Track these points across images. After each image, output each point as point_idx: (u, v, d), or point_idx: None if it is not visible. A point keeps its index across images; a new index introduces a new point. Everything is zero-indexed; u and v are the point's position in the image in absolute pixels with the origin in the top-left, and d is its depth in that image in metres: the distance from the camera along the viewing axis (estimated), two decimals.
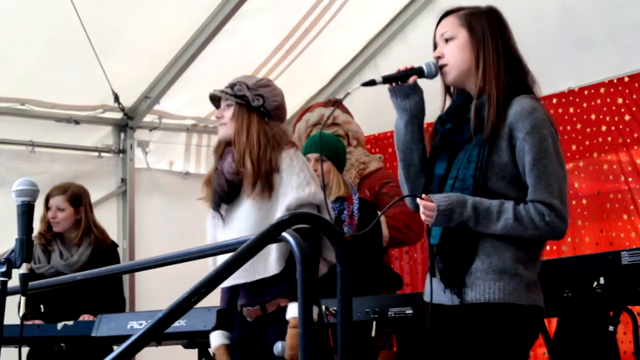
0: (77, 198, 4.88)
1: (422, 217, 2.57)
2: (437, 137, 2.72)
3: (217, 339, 3.41)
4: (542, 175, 2.53)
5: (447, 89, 2.74)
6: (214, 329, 3.43)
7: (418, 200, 2.57)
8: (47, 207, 4.84)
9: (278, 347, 3.13)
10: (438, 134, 2.71)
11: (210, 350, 3.50)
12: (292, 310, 3.13)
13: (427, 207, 2.54)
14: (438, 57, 2.67)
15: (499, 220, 2.52)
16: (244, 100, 3.28)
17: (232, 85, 3.32)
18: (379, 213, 4.53)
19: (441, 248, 2.61)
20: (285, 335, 3.14)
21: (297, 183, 3.20)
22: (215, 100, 3.40)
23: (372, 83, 2.64)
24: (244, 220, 3.25)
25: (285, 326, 3.16)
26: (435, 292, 2.64)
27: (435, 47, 2.71)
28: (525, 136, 2.53)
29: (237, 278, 3.21)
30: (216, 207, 3.33)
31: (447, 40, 2.66)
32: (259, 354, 3.28)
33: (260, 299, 3.26)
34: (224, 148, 3.37)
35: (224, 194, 3.30)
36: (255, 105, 3.28)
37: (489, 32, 2.63)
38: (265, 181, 3.22)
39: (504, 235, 2.54)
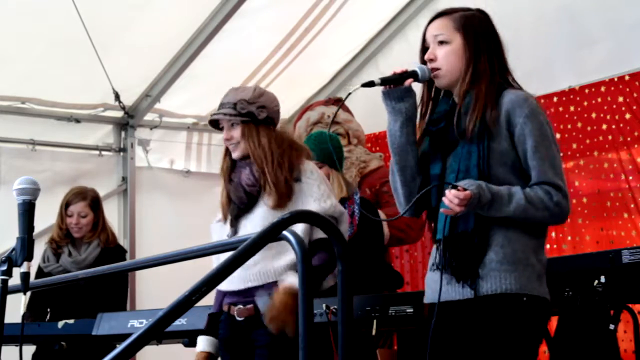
0: (96, 202, 4.95)
1: (455, 209, 2.49)
2: (425, 143, 2.72)
3: (203, 344, 3.40)
4: (545, 157, 2.57)
5: (429, 90, 2.75)
6: (203, 332, 3.43)
7: (454, 192, 2.49)
8: (66, 214, 4.86)
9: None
10: (427, 138, 2.72)
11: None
12: (289, 280, 3.12)
13: (466, 196, 2.47)
14: (430, 59, 2.68)
15: (510, 203, 2.53)
16: (250, 117, 3.30)
17: (232, 105, 3.31)
18: (379, 212, 4.54)
19: (449, 242, 2.60)
20: (274, 338, 3.12)
21: (318, 195, 3.24)
22: (215, 121, 3.40)
23: (371, 84, 2.65)
24: (259, 227, 3.24)
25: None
26: (443, 288, 2.61)
27: (423, 47, 2.72)
28: (525, 120, 2.57)
29: (248, 281, 3.23)
30: (235, 220, 3.33)
31: (440, 43, 2.67)
32: (247, 354, 3.27)
33: (252, 297, 3.25)
34: (233, 164, 3.38)
35: (243, 206, 3.32)
36: (261, 118, 3.31)
37: (482, 37, 2.67)
38: (285, 189, 3.24)
39: (514, 220, 2.55)
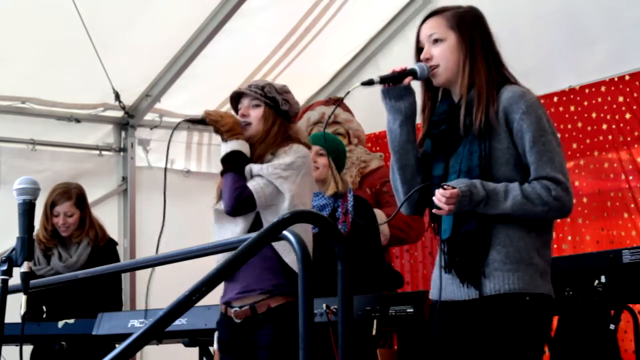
0: (82, 199, 4.87)
1: (444, 207, 2.52)
2: (427, 144, 2.73)
3: None
4: (543, 151, 2.56)
5: (427, 90, 2.75)
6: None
7: (440, 191, 2.53)
8: (52, 214, 4.79)
9: None
10: (429, 139, 2.73)
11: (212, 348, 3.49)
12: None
13: (452, 194, 2.50)
14: (426, 59, 2.69)
15: (507, 199, 2.53)
16: (274, 102, 3.35)
17: (261, 87, 3.38)
18: (379, 211, 4.54)
19: (452, 242, 2.61)
20: (276, 338, 3.15)
21: (279, 162, 3.25)
22: (234, 98, 3.42)
23: (370, 83, 2.66)
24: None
25: (277, 328, 3.16)
26: (447, 288, 2.63)
27: (418, 47, 2.73)
28: (522, 116, 2.57)
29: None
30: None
31: (435, 41, 2.68)
32: (248, 355, 3.26)
33: (246, 293, 3.25)
34: None
35: None
36: (283, 109, 3.36)
37: (476, 33, 2.68)
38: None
39: (516, 218, 2.55)
